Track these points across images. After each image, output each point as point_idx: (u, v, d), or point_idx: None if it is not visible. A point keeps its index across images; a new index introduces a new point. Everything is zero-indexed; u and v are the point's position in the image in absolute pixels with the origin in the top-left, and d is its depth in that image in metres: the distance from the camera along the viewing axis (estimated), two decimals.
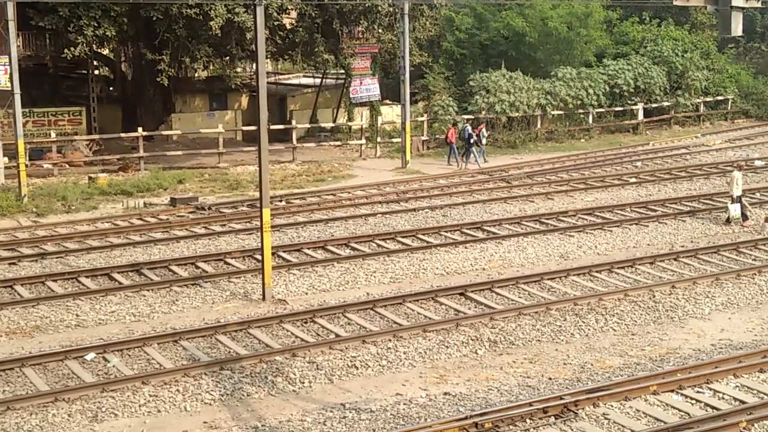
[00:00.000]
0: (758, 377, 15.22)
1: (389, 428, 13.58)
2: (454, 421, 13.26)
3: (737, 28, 15.31)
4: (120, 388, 14.72)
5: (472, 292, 19.59)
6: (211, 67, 43.77)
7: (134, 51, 40.79)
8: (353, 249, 23.32)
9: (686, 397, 14.46)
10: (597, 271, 21.10)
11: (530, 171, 34.97)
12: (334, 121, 44.81)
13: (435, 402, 14.52)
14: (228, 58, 39.16)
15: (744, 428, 13.24)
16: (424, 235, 24.60)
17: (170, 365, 15.73)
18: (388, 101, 46.75)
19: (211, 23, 33.99)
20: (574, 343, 17.21)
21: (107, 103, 43.28)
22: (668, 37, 48.25)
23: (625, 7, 50.09)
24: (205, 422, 13.92)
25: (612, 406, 14.05)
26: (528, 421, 13.51)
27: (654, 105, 46.48)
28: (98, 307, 18.89)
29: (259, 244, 20.02)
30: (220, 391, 14.84)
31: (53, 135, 36.36)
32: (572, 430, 13.40)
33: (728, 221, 25.71)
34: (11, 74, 29.47)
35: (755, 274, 20.96)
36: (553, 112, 43.20)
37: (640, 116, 45.99)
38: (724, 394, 14.57)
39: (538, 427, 13.45)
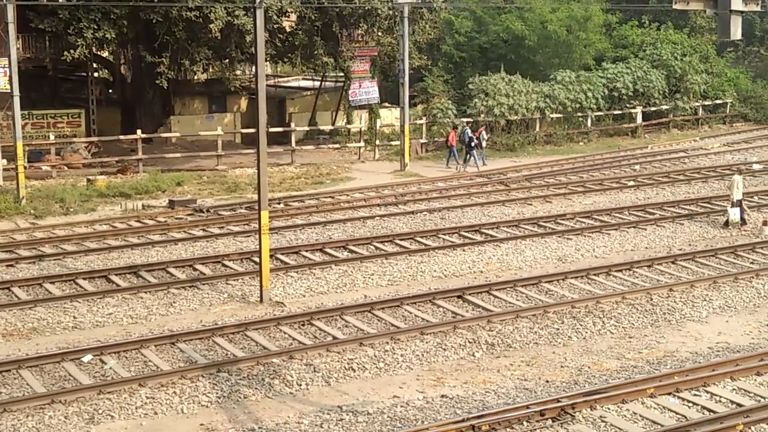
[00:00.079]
0: (755, 380, 15.23)
1: (386, 431, 13.58)
2: (451, 423, 13.26)
3: (736, 32, 15.32)
4: (117, 390, 14.72)
5: (469, 294, 19.60)
6: (211, 70, 43.80)
7: (134, 53, 40.80)
8: (351, 251, 23.32)
9: (683, 400, 14.46)
10: (595, 274, 21.12)
11: (529, 174, 34.99)
12: (333, 124, 44.81)
13: (432, 404, 14.52)
14: (227, 60, 39.18)
15: (741, 431, 13.24)
16: (422, 237, 24.60)
17: (167, 367, 15.73)
18: (387, 104, 46.76)
19: (211, 26, 33.99)
20: (572, 346, 17.21)
21: (106, 105, 43.29)
22: (667, 40, 48.28)
23: (625, 10, 50.16)
24: (202, 424, 13.92)
25: (609, 408, 14.05)
26: (525, 423, 13.52)
27: (653, 108, 46.49)
28: (95, 309, 18.88)
29: (257, 247, 20.01)
30: (217, 393, 14.84)
31: (52, 137, 36.37)
32: None
33: (727, 224, 25.72)
34: (11, 76, 29.47)
35: (753, 277, 20.98)
36: (551, 116, 43.21)
37: (639, 120, 46.02)
38: (721, 397, 14.58)
39: (535, 429, 13.46)
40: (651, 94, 46.09)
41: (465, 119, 40.32)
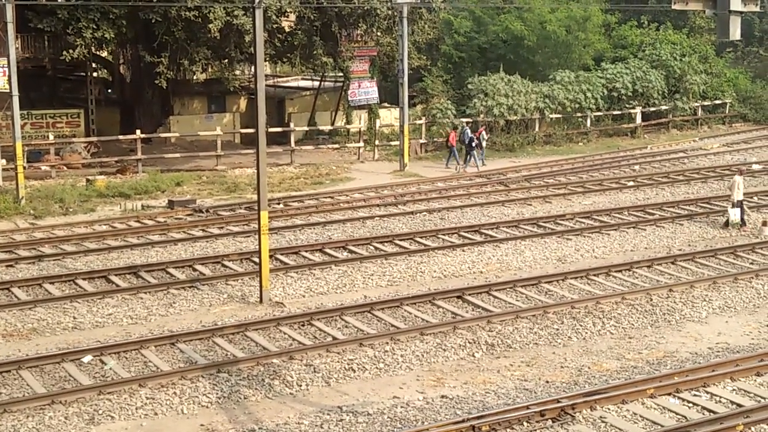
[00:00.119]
0: (755, 380, 15.24)
1: (386, 431, 13.58)
2: (451, 424, 13.26)
3: (735, 33, 15.31)
4: (117, 391, 14.71)
5: (469, 295, 19.60)
6: (210, 70, 43.79)
7: (133, 53, 40.78)
8: (351, 252, 23.32)
9: (683, 400, 14.47)
10: (594, 275, 21.12)
11: (528, 174, 34.99)
12: (333, 124, 44.82)
13: (432, 405, 14.52)
14: (227, 60, 39.16)
15: (741, 431, 13.24)
16: (421, 238, 24.60)
17: (167, 368, 15.72)
18: (386, 104, 46.76)
19: (210, 26, 33.98)
20: (572, 346, 17.21)
21: (105, 105, 43.27)
22: (666, 41, 48.30)
23: (624, 10, 50.16)
24: (202, 425, 13.91)
25: (609, 409, 14.05)
26: (525, 424, 13.52)
27: (652, 109, 46.50)
28: (95, 310, 18.87)
29: (257, 247, 20.01)
30: (217, 393, 14.83)
31: (51, 137, 36.36)
32: None
33: (727, 224, 25.73)
34: (10, 76, 29.45)
35: (752, 277, 20.99)
36: (551, 116, 43.22)
37: (638, 120, 46.03)
38: (721, 397, 14.58)
39: (535, 430, 13.46)
40: (650, 94, 46.11)
41: (464, 119, 40.32)
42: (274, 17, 36.51)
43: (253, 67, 22.40)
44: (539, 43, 45.29)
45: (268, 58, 40.70)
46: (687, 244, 24.46)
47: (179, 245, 24.12)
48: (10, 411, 14.02)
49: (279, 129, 39.77)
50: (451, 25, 47.50)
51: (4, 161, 32.38)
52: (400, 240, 24.35)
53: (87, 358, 16.07)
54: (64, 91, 45.58)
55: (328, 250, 23.32)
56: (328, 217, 27.68)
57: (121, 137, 37.47)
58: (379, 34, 42.17)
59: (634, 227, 25.85)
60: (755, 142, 43.19)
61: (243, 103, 46.08)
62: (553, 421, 13.63)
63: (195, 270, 21.61)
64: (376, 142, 40.07)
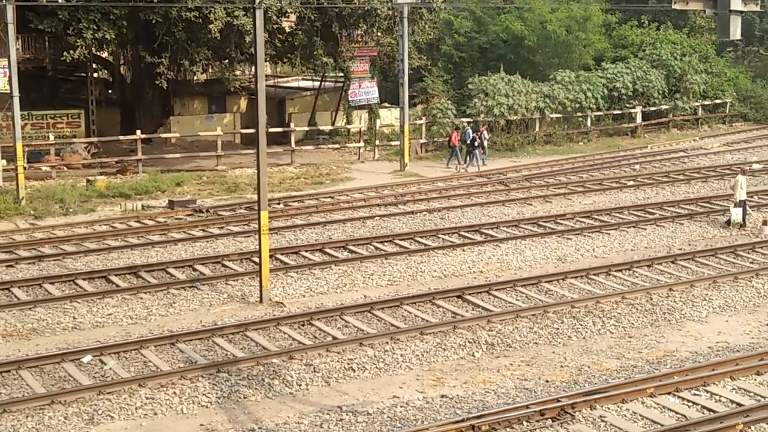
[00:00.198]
0: (755, 380, 15.23)
1: (386, 431, 13.58)
2: (451, 423, 13.26)
3: (736, 32, 15.31)
4: (117, 391, 14.72)
5: (469, 294, 19.59)
6: (210, 70, 43.79)
7: (133, 54, 40.80)
8: (351, 251, 23.32)
9: (683, 399, 14.46)
10: (594, 274, 21.12)
11: (528, 174, 34.99)
12: (333, 124, 44.81)
13: (432, 404, 14.52)
14: (227, 61, 39.17)
15: (741, 431, 13.25)
16: (421, 237, 24.60)
17: (167, 368, 15.72)
18: (386, 104, 46.76)
19: (211, 26, 33.99)
20: (572, 346, 17.21)
21: (106, 105, 43.28)
22: (667, 40, 48.29)
23: (624, 10, 50.15)
24: (201, 425, 13.91)
25: (609, 408, 14.05)
26: (525, 423, 13.52)
27: (652, 108, 46.50)
28: (95, 310, 18.88)
29: (257, 247, 20.01)
30: (217, 393, 14.83)
31: (52, 138, 36.37)
32: None
33: (728, 223, 25.72)
34: (10, 77, 29.46)
35: (753, 277, 20.98)
36: (551, 116, 43.21)
37: (639, 119, 46.03)
38: (721, 396, 14.58)
39: (535, 429, 13.46)
40: (650, 94, 46.11)
41: (465, 119, 40.31)
42: (274, 18, 36.52)
43: (253, 68, 22.44)
44: (539, 43, 45.29)
45: (268, 59, 40.67)
46: (687, 243, 24.46)
47: (179, 245, 24.13)
48: (10, 411, 14.03)
49: (279, 129, 39.79)
50: (451, 25, 47.50)
51: (4, 162, 32.40)
52: (400, 240, 24.34)
53: (87, 358, 16.07)
54: (64, 92, 45.61)
55: (328, 250, 23.32)
56: (328, 217, 27.68)
57: (121, 138, 37.49)
58: (379, 34, 42.18)
59: (634, 227, 25.84)
60: (755, 141, 43.18)
61: (243, 103, 46.10)
62: (553, 421, 13.63)
63: (195, 270, 21.62)
64: (377, 142, 40.07)
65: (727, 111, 49.54)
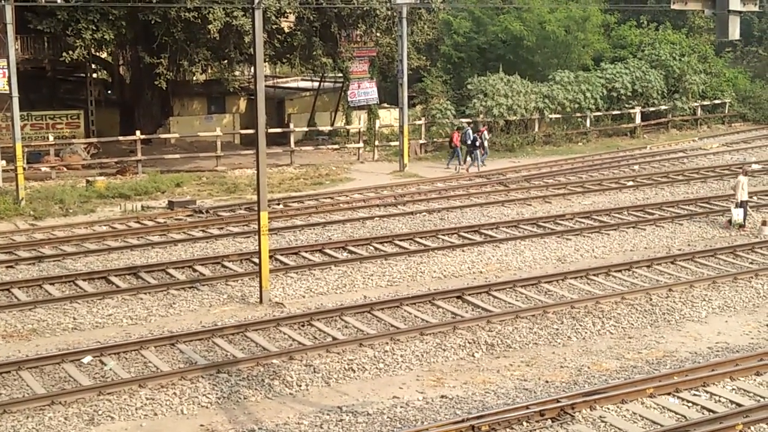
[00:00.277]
0: (755, 380, 15.24)
1: (386, 431, 13.59)
2: (451, 423, 13.26)
3: (735, 32, 15.31)
4: (117, 391, 14.72)
5: (469, 295, 19.60)
6: (210, 71, 43.79)
7: (132, 54, 40.81)
8: (351, 252, 23.33)
9: (683, 400, 14.47)
10: (594, 275, 21.13)
11: (528, 174, 35.00)
12: (332, 125, 44.83)
13: (432, 405, 14.53)
14: (226, 61, 39.18)
15: (740, 431, 13.26)
16: (421, 238, 24.61)
17: (167, 368, 15.73)
18: (386, 105, 46.78)
19: (210, 27, 34.00)
20: (571, 346, 17.22)
21: (105, 106, 43.29)
22: (666, 40, 48.32)
23: (623, 10, 50.18)
24: (201, 425, 13.92)
25: (609, 409, 14.06)
26: (525, 423, 13.53)
27: (651, 109, 46.53)
28: (95, 310, 18.88)
29: (257, 247, 20.02)
30: (217, 394, 14.84)
31: (51, 138, 36.39)
32: None
33: (730, 223, 25.74)
34: (9, 77, 29.47)
35: (752, 277, 21.00)
36: (550, 116, 43.24)
37: (638, 120, 46.05)
38: (720, 396, 14.59)
39: (535, 429, 13.47)
40: (649, 94, 46.14)
41: (464, 120, 40.32)
42: (273, 18, 36.53)
43: (252, 68, 22.42)
44: (538, 44, 45.31)
45: (267, 59, 40.72)
46: (686, 243, 24.48)
47: (179, 246, 24.14)
48: (10, 412, 14.03)
49: (279, 130, 39.80)
50: (450, 25, 47.52)
51: (4, 162, 32.40)
52: (400, 240, 24.35)
53: (87, 359, 16.08)
54: (63, 92, 45.61)
55: (327, 251, 23.33)
56: (327, 217, 27.69)
57: (120, 138, 37.49)
58: (378, 34, 42.19)
59: (633, 227, 25.86)
60: (755, 141, 43.22)
61: (243, 103, 46.11)
62: (553, 421, 13.64)
63: (195, 271, 21.62)
64: (376, 143, 40.08)
65: (726, 111, 49.57)
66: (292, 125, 39.90)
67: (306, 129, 43.39)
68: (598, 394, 14.31)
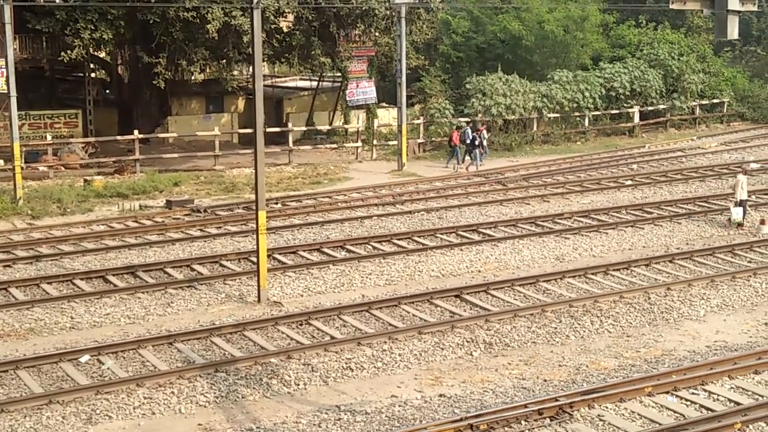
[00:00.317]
0: (753, 379, 15.24)
1: (384, 430, 13.57)
2: (449, 422, 13.25)
3: (733, 32, 15.32)
4: (114, 391, 14.70)
5: (467, 294, 19.59)
6: (208, 70, 43.74)
7: (131, 54, 40.77)
8: (349, 251, 23.31)
9: (681, 398, 14.46)
10: (592, 273, 21.12)
11: (526, 173, 35.00)
12: (331, 124, 44.82)
13: (430, 404, 14.51)
14: (225, 61, 39.14)
15: (739, 429, 13.26)
16: (419, 237, 24.59)
17: (165, 367, 15.71)
18: (384, 104, 46.77)
19: (208, 26, 33.97)
20: (570, 345, 17.21)
21: (103, 105, 43.27)
22: (664, 40, 48.33)
23: (622, 10, 50.19)
24: (199, 424, 13.90)
25: (607, 407, 14.05)
26: (523, 422, 13.51)
27: (650, 108, 46.54)
28: (93, 310, 18.86)
29: (255, 247, 20.00)
30: (215, 393, 14.82)
31: (49, 138, 36.34)
32: (567, 431, 13.40)
33: (730, 221, 25.73)
34: (8, 77, 29.44)
35: (750, 276, 20.99)
36: (549, 115, 43.22)
37: (636, 119, 46.05)
38: (719, 395, 14.58)
39: (533, 428, 13.45)
40: (648, 93, 46.15)
41: (463, 119, 40.31)
42: (272, 18, 36.50)
43: (251, 68, 22.42)
44: (537, 43, 45.31)
45: (266, 59, 40.63)
46: (685, 242, 24.47)
47: (177, 245, 24.11)
48: (8, 411, 14.01)
49: (277, 129, 39.77)
50: (449, 25, 47.49)
51: (1, 162, 32.40)
52: (398, 239, 24.34)
53: (84, 358, 16.05)
54: (62, 92, 45.56)
55: (326, 250, 23.32)
56: (326, 216, 27.67)
57: (119, 137, 37.47)
58: (377, 34, 42.17)
59: (632, 226, 25.85)
60: (753, 141, 43.24)
61: (241, 103, 46.09)
62: (551, 420, 13.63)
63: (193, 270, 21.60)
64: (374, 142, 40.07)
65: (725, 110, 49.59)
66: (290, 125, 39.85)
67: (304, 128, 43.39)
68: (597, 392, 14.30)
